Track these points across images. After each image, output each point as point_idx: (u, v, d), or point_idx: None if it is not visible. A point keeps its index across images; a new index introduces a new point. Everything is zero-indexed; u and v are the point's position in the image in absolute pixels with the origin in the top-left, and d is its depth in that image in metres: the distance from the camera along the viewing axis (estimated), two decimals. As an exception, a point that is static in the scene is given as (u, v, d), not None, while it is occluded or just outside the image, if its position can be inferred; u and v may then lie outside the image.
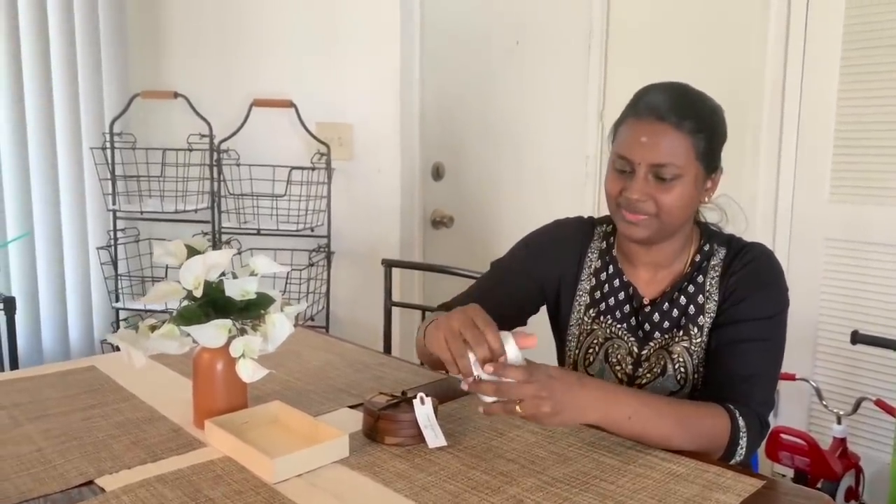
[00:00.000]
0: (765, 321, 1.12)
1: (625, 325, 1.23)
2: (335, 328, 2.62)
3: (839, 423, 1.94)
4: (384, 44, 2.49)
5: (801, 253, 2.13)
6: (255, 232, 2.46)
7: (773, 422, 2.04)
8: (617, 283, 1.25)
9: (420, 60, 2.58)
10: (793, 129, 2.11)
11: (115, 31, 2.51)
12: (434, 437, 1.02)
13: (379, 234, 2.59)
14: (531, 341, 0.97)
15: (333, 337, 1.69)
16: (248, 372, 1.02)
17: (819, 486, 1.89)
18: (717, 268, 1.19)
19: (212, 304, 1.01)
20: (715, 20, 2.21)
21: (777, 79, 2.11)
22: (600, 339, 1.25)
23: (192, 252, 1.03)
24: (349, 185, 2.60)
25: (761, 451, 1.94)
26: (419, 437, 1.02)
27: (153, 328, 1.01)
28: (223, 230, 2.46)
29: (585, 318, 1.27)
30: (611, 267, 1.27)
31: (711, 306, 1.18)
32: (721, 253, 1.20)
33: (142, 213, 2.42)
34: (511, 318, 1.27)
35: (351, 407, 1.17)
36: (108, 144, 2.41)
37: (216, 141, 2.44)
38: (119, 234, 2.48)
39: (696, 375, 1.18)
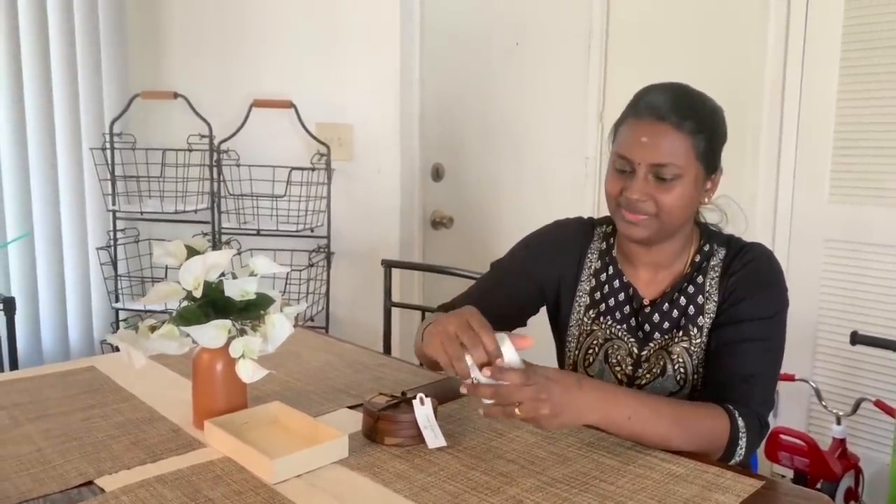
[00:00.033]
0: (764, 321, 1.12)
1: (625, 325, 1.23)
2: (335, 329, 2.62)
3: (839, 423, 1.94)
4: (384, 44, 2.49)
5: (800, 253, 2.13)
6: (254, 232, 2.46)
7: (773, 422, 2.04)
8: (617, 283, 1.25)
9: (420, 61, 2.58)
10: (792, 130, 2.11)
11: (115, 31, 2.51)
12: (434, 437, 1.02)
13: (379, 235, 2.59)
14: (527, 342, 0.97)
15: (333, 337, 1.69)
16: (248, 372, 1.02)
17: (818, 486, 1.89)
18: (716, 268, 1.19)
19: (211, 304, 1.01)
20: (714, 21, 2.21)
21: (776, 79, 2.11)
22: (600, 340, 1.25)
23: (192, 252, 1.03)
24: (349, 186, 2.60)
25: (761, 451, 1.94)
26: (419, 438, 1.02)
27: (153, 329, 1.01)
28: (223, 231, 2.46)
29: (585, 319, 1.27)
30: (611, 268, 1.27)
31: (711, 307, 1.18)
32: (721, 253, 1.20)
33: (141, 213, 2.42)
34: (511, 318, 1.28)
35: (350, 407, 1.17)
36: (107, 145, 2.41)
37: (216, 141, 2.44)
38: (119, 235, 2.48)
39: (695, 376, 1.18)
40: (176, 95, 2.45)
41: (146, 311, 2.45)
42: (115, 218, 2.47)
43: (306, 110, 2.53)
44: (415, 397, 1.04)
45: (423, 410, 1.03)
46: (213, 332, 0.99)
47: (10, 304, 2.04)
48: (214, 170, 2.43)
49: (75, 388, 1.25)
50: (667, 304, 1.20)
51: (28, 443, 1.03)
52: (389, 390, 1.11)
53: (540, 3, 2.54)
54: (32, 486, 0.90)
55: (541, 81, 2.57)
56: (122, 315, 2.52)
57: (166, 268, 2.38)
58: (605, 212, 1.24)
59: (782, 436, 1.91)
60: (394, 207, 2.57)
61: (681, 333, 1.18)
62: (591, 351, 1.26)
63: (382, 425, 1.03)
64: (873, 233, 2.00)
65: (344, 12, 2.52)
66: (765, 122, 2.14)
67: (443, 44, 2.62)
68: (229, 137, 2.46)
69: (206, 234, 2.45)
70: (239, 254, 2.41)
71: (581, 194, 2.50)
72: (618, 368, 1.23)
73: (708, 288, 1.19)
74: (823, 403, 1.94)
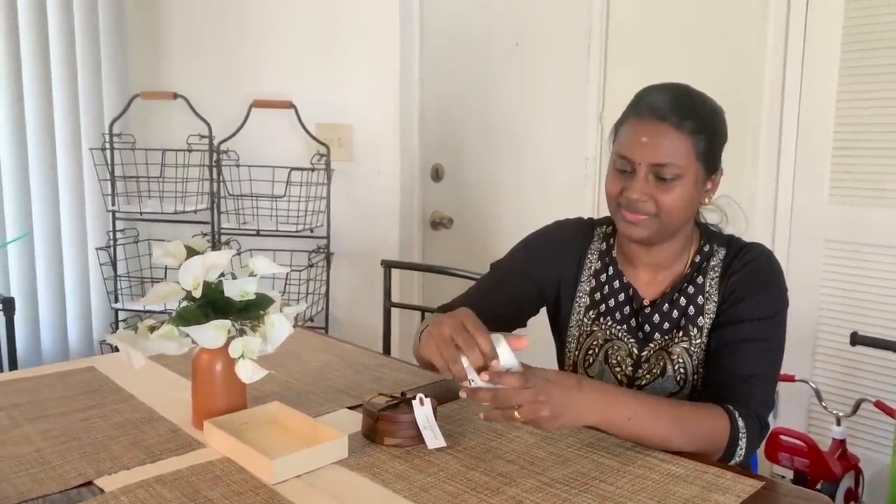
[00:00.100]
0: (764, 321, 1.12)
1: (625, 326, 1.23)
2: (334, 329, 2.62)
3: (838, 424, 1.94)
4: (384, 44, 2.49)
5: (800, 254, 2.12)
6: (254, 233, 2.46)
7: (773, 423, 2.04)
8: (617, 284, 1.25)
9: (420, 61, 2.58)
10: (792, 130, 2.11)
11: (114, 31, 2.51)
12: (433, 438, 1.02)
13: (378, 235, 2.59)
14: (522, 342, 0.97)
15: (333, 338, 1.69)
16: (248, 372, 1.02)
17: (818, 487, 1.89)
18: (716, 268, 1.19)
19: (211, 304, 1.01)
20: (714, 21, 2.21)
21: (776, 80, 2.11)
22: (600, 341, 1.25)
23: (192, 253, 1.03)
24: (349, 186, 2.60)
25: (761, 452, 1.94)
26: (418, 438, 1.02)
27: (152, 329, 1.01)
28: (222, 231, 2.46)
29: (585, 320, 1.27)
30: (611, 268, 1.27)
31: (711, 307, 1.18)
32: (721, 253, 1.20)
33: (141, 213, 2.42)
34: (511, 319, 1.28)
35: (350, 408, 1.17)
36: (107, 145, 2.41)
37: (216, 142, 2.44)
38: (118, 235, 2.48)
39: (695, 376, 1.18)
40: (176, 96, 2.45)
41: (146, 312, 2.45)
42: (114, 218, 2.47)
43: (306, 110, 2.53)
44: (414, 398, 1.04)
45: (423, 411, 1.03)
46: (212, 333, 0.99)
47: (9, 305, 2.04)
48: (214, 170, 2.43)
49: (74, 388, 1.25)
50: (667, 304, 1.20)
51: (27, 443, 1.02)
52: (389, 391, 1.11)
53: (540, 4, 2.54)
54: (32, 487, 0.90)
55: (541, 81, 2.57)
56: (121, 315, 2.52)
57: (166, 268, 2.38)
58: (605, 212, 1.24)
59: (782, 436, 1.91)
60: (393, 208, 2.57)
61: (681, 334, 1.18)
62: (591, 351, 1.26)
63: (382, 426, 1.03)
64: (873, 233, 2.00)
65: (344, 12, 2.52)
66: (764, 122, 2.14)
67: (443, 44, 2.62)
68: (229, 138, 2.46)
69: (205, 235, 2.45)
70: (238, 254, 2.41)
71: (581, 194, 2.50)
72: (618, 369, 1.23)
73: (708, 288, 1.19)
74: (823, 404, 1.94)
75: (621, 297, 1.24)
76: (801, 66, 2.07)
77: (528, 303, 1.32)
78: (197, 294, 0.99)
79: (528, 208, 2.61)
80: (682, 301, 1.19)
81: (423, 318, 1.87)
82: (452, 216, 2.73)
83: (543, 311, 1.35)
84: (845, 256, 2.06)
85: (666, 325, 1.20)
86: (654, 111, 1.10)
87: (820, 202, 2.09)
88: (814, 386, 1.97)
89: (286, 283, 2.45)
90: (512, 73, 2.61)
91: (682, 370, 1.18)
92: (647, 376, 1.20)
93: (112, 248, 2.45)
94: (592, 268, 1.28)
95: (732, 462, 1.05)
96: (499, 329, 0.98)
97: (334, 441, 0.98)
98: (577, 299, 1.28)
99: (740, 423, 1.04)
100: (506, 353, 0.94)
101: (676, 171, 1.09)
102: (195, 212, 2.42)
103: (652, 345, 1.21)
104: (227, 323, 1.00)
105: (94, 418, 1.12)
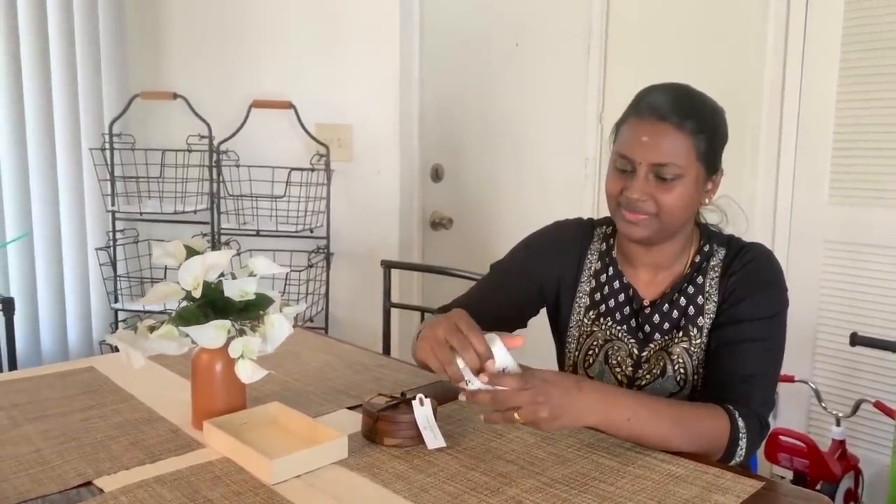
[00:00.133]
0: (764, 321, 1.12)
1: (625, 326, 1.23)
2: (334, 329, 2.62)
3: (838, 424, 1.94)
4: (384, 44, 2.49)
5: (799, 254, 2.13)
6: (254, 233, 2.46)
7: (773, 423, 2.04)
8: (617, 284, 1.25)
9: (420, 61, 2.58)
10: (792, 131, 2.11)
11: (114, 31, 2.51)
12: (433, 438, 1.02)
13: (378, 236, 2.59)
14: (517, 342, 0.97)
15: (332, 338, 1.69)
16: (247, 373, 1.02)
17: (818, 487, 1.89)
18: (716, 268, 1.19)
19: (211, 304, 1.01)
20: (714, 21, 2.21)
21: (776, 80, 2.11)
22: (600, 341, 1.25)
23: (191, 253, 1.03)
24: (348, 187, 2.60)
25: (760, 452, 1.94)
26: (418, 439, 1.02)
27: (152, 329, 1.01)
28: (222, 231, 2.46)
29: (585, 320, 1.27)
30: (611, 269, 1.26)
31: (711, 307, 1.18)
32: (720, 253, 1.20)
33: (141, 213, 2.42)
34: (511, 319, 1.28)
35: (350, 408, 1.17)
36: (107, 145, 2.41)
37: (215, 142, 2.44)
38: (118, 235, 2.48)
39: (695, 377, 1.18)
40: (175, 96, 2.45)
41: (145, 312, 2.44)
42: (114, 218, 2.47)
43: (306, 111, 2.53)
44: (414, 398, 1.04)
45: (423, 411, 1.02)
46: (212, 333, 0.99)
47: (9, 305, 2.04)
48: (214, 170, 2.43)
49: (74, 388, 1.25)
50: (667, 304, 1.20)
51: (27, 443, 1.02)
52: (389, 391, 1.11)
53: (540, 4, 2.54)
54: (31, 487, 0.90)
55: (541, 82, 2.57)
56: (121, 315, 2.52)
57: (165, 268, 2.38)
58: (605, 212, 1.24)
59: (782, 437, 1.91)
60: (393, 208, 2.57)
61: (681, 334, 1.18)
62: (591, 352, 1.26)
63: (382, 426, 1.02)
64: (873, 234, 2.00)
65: (344, 12, 2.52)
66: (764, 122, 2.14)
67: (443, 44, 2.62)
68: (229, 138, 2.46)
69: (205, 235, 2.45)
70: (238, 254, 2.41)
71: (581, 194, 2.50)
72: (618, 369, 1.23)
73: (708, 288, 1.19)
74: (823, 405, 1.94)
75: (621, 297, 1.24)
76: (800, 66, 2.07)
77: (529, 303, 1.32)
78: (197, 294, 0.99)
79: (528, 208, 2.61)
80: (682, 301, 1.19)
81: (422, 318, 1.87)
82: (452, 216, 2.73)
83: (543, 311, 1.35)
84: (845, 257, 2.06)
85: (666, 326, 1.20)
86: (654, 111, 1.10)
87: (820, 202, 2.09)
88: (813, 386, 1.97)
89: (286, 284, 2.45)
90: (512, 73, 2.61)
91: (682, 370, 1.18)
92: (648, 377, 1.20)
93: (112, 249, 2.45)
94: (592, 268, 1.28)
95: (733, 462, 1.05)
96: (499, 329, 0.98)
97: (334, 441, 0.98)
98: (577, 300, 1.28)
99: (740, 423, 1.04)
100: (501, 352, 0.94)
101: (677, 171, 1.09)
102: (195, 212, 2.42)
103: (652, 345, 1.21)
104: (226, 323, 1.00)
105: (93, 418, 1.12)
